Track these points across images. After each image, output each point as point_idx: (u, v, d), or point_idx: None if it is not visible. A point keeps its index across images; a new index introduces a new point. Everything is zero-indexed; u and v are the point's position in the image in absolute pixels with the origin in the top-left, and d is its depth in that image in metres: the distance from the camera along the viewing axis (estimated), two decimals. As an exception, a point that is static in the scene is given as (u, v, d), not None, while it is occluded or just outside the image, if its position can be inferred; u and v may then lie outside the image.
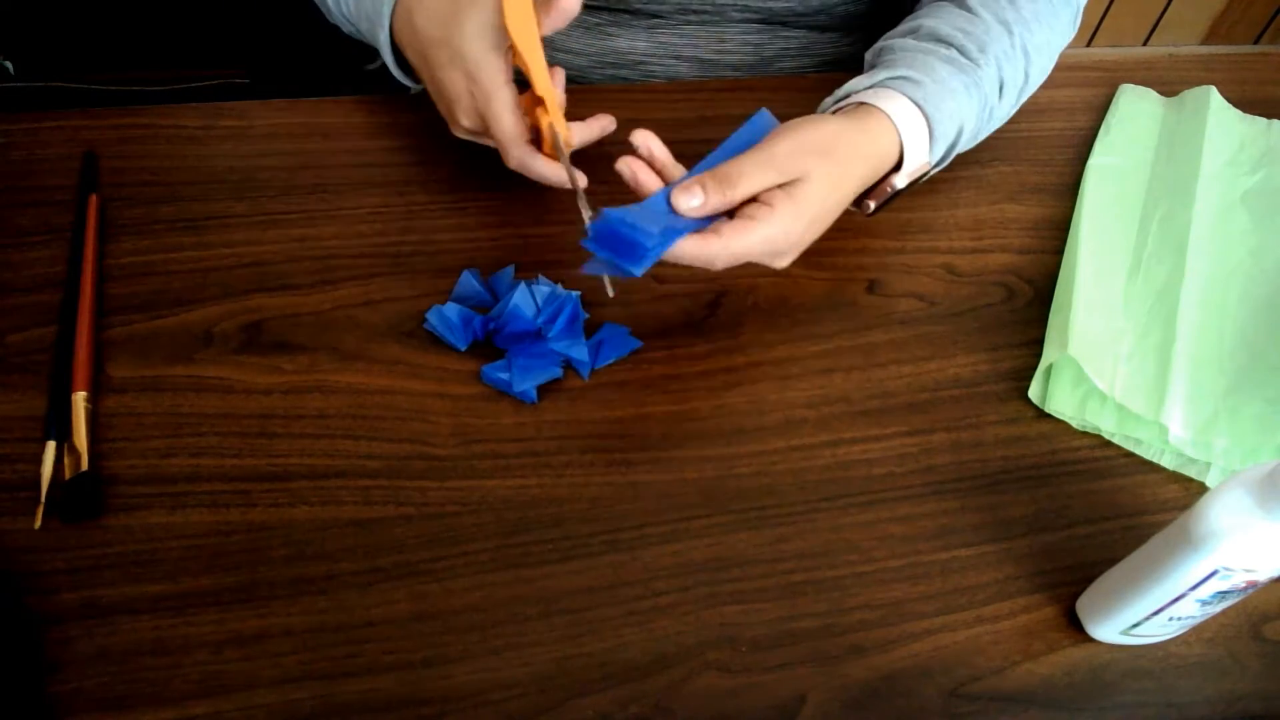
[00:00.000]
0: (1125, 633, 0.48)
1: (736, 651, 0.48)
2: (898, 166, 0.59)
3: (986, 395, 0.59)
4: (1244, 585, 0.42)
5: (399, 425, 0.53)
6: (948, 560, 0.52)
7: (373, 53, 0.78)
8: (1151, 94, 0.77)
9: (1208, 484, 0.56)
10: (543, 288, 0.56)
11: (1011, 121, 0.70)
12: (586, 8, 0.74)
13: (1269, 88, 0.80)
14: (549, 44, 0.75)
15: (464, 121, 0.58)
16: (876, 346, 0.60)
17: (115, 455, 0.51)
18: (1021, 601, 0.51)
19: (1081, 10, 0.69)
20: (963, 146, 0.63)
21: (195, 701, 0.44)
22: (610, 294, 0.54)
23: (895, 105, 0.57)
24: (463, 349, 0.57)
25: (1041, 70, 0.66)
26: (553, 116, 0.54)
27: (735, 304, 0.61)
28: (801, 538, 0.52)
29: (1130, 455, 0.57)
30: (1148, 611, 0.46)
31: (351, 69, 0.93)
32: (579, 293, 0.57)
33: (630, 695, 0.46)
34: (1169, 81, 0.78)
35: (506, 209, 0.64)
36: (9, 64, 1.37)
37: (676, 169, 0.54)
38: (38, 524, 0.48)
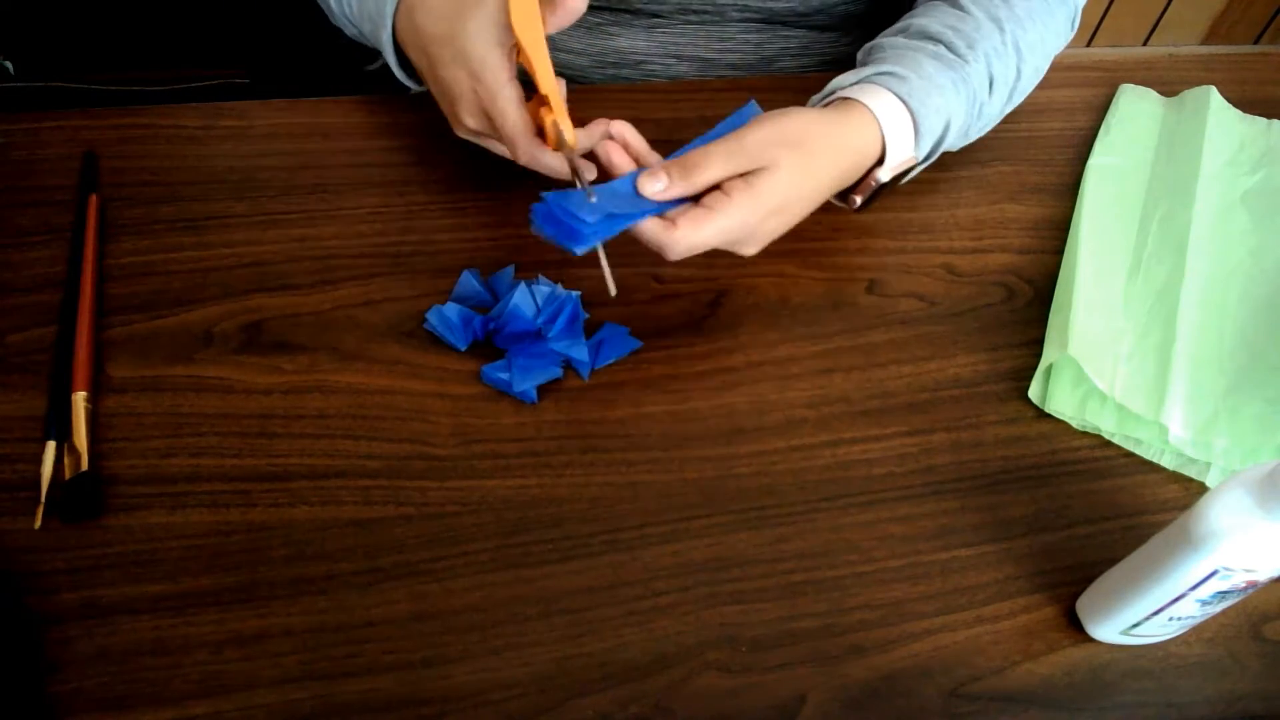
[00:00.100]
0: (1125, 633, 0.48)
1: (736, 651, 0.48)
2: (881, 161, 0.59)
3: (986, 395, 0.59)
4: (1244, 585, 0.42)
5: (399, 425, 0.53)
6: (948, 560, 0.52)
7: (373, 53, 0.78)
8: (1151, 94, 0.77)
9: (1208, 484, 0.56)
10: (543, 288, 0.56)
11: (1011, 121, 0.70)
12: (590, 8, 0.74)
13: (1269, 88, 0.80)
14: (549, 44, 0.75)
15: (467, 120, 0.57)
16: (876, 346, 0.60)
17: (115, 455, 0.51)
18: (1021, 601, 0.51)
19: (1080, 12, 0.69)
20: (952, 143, 0.63)
21: (195, 701, 0.44)
22: (612, 293, 0.54)
23: (878, 100, 0.57)
24: (463, 349, 0.57)
25: (1035, 69, 0.66)
26: (557, 114, 0.54)
27: (735, 304, 0.61)
28: (801, 538, 0.52)
29: (1130, 455, 0.57)
30: (1148, 611, 0.46)
31: (351, 69, 0.92)
32: (579, 293, 0.57)
33: (630, 695, 0.46)
34: (1169, 81, 0.78)
35: (506, 209, 0.64)
36: (9, 64, 1.37)
37: (653, 156, 0.55)
38: (38, 524, 0.48)
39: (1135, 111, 0.75)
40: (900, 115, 0.58)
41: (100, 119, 0.66)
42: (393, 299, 0.59)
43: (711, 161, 0.52)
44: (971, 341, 0.61)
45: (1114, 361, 0.58)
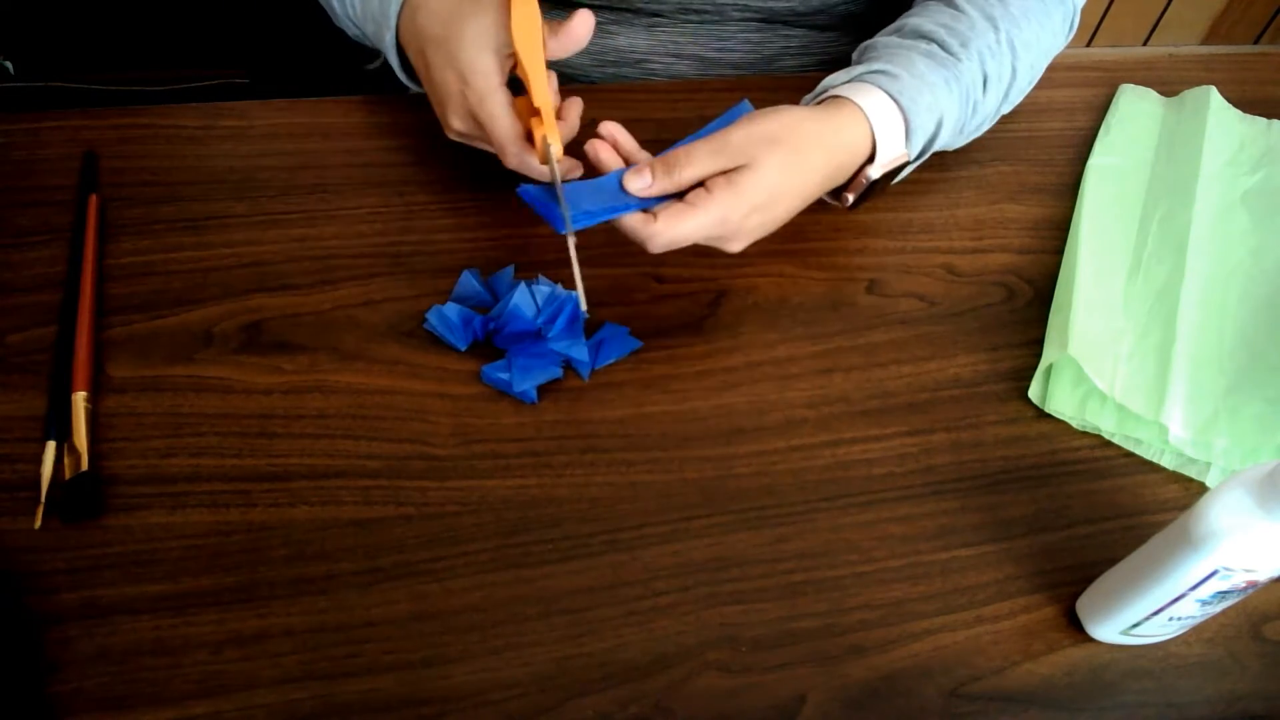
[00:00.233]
0: (1125, 633, 0.48)
1: (736, 651, 0.48)
2: (872, 158, 0.59)
3: (986, 395, 0.59)
4: (1244, 585, 0.42)
5: (399, 425, 0.53)
6: (948, 560, 0.52)
7: (372, 53, 0.78)
8: (1151, 94, 0.77)
9: (1208, 484, 0.56)
10: (543, 288, 0.56)
11: (1011, 121, 0.70)
12: (587, 6, 0.74)
13: (1269, 88, 0.80)
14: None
15: (455, 122, 0.58)
16: (876, 346, 0.60)
17: (115, 455, 0.51)
18: (1021, 601, 0.51)
19: (1079, 13, 0.69)
20: (947, 141, 0.63)
21: (195, 701, 0.44)
22: (583, 309, 0.54)
23: (868, 98, 0.58)
24: (463, 349, 0.57)
25: (1031, 67, 0.66)
26: (547, 129, 0.55)
27: (735, 304, 0.61)
28: (801, 538, 0.52)
29: (1130, 455, 0.57)
30: (1148, 611, 0.46)
31: (351, 69, 0.93)
32: (579, 292, 0.57)
33: (630, 695, 0.46)
34: (1169, 81, 0.78)
35: (506, 209, 0.64)
36: (9, 64, 1.37)
37: (642, 154, 0.56)
38: (38, 524, 0.48)
39: (1135, 111, 0.75)
40: (891, 113, 0.58)
41: (100, 119, 0.66)
42: (393, 299, 0.59)
43: (695, 159, 0.53)
44: (971, 341, 0.61)
45: (1114, 361, 0.58)
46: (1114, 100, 0.77)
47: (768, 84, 0.75)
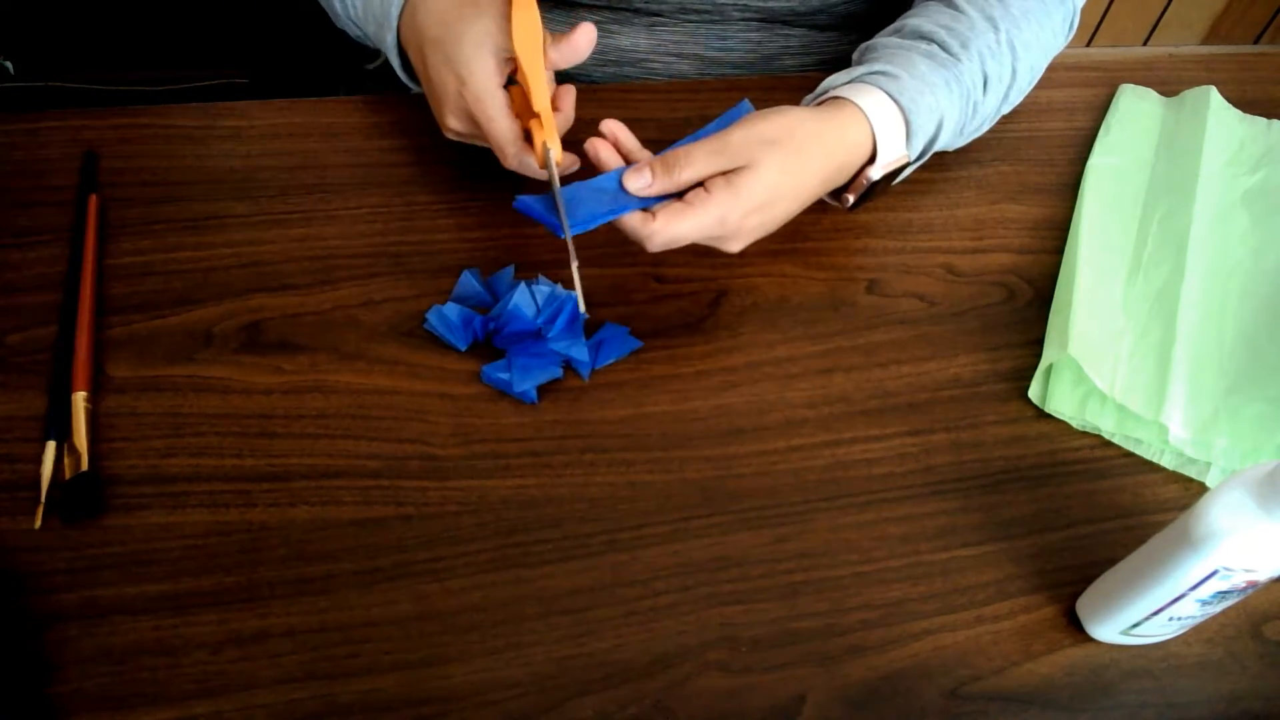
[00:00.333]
0: (1125, 633, 0.48)
1: (736, 651, 0.48)
2: (873, 159, 0.59)
3: (986, 395, 0.59)
4: (1244, 585, 0.42)
5: (399, 425, 0.53)
6: (948, 560, 0.52)
7: (372, 53, 0.78)
8: (1151, 94, 0.77)
9: (1208, 484, 0.56)
10: (543, 288, 0.56)
11: (1011, 121, 0.70)
12: (587, 6, 0.74)
13: (1269, 88, 0.80)
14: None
15: (451, 122, 0.58)
16: (876, 346, 0.60)
17: (115, 455, 0.51)
18: (1021, 601, 0.51)
19: (1079, 13, 0.69)
20: (947, 142, 0.63)
21: (195, 701, 0.44)
22: (582, 311, 0.54)
23: (869, 99, 0.58)
24: (463, 349, 0.57)
25: (1031, 68, 0.66)
26: (547, 134, 0.55)
27: (735, 304, 0.61)
28: (801, 538, 0.52)
29: (1130, 455, 0.57)
30: (1148, 611, 0.46)
31: (351, 69, 0.93)
32: (578, 293, 0.57)
33: (630, 695, 0.46)
34: (1169, 81, 0.78)
35: (506, 209, 0.63)
36: (9, 64, 1.37)
37: (643, 153, 0.56)
38: (38, 524, 0.48)
39: (1135, 111, 0.75)
40: (891, 114, 0.58)
41: (100, 119, 0.66)
42: (393, 299, 0.59)
43: (694, 159, 0.53)
44: (971, 341, 0.61)
45: (1114, 361, 0.58)
46: (1114, 100, 0.77)
47: (768, 84, 0.75)
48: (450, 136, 0.60)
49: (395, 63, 0.63)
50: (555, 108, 0.58)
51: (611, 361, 0.57)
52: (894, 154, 0.59)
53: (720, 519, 0.52)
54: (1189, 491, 0.56)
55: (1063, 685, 0.48)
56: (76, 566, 0.47)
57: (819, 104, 0.60)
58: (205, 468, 0.51)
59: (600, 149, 0.55)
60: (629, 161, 0.55)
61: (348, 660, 0.46)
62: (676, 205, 0.53)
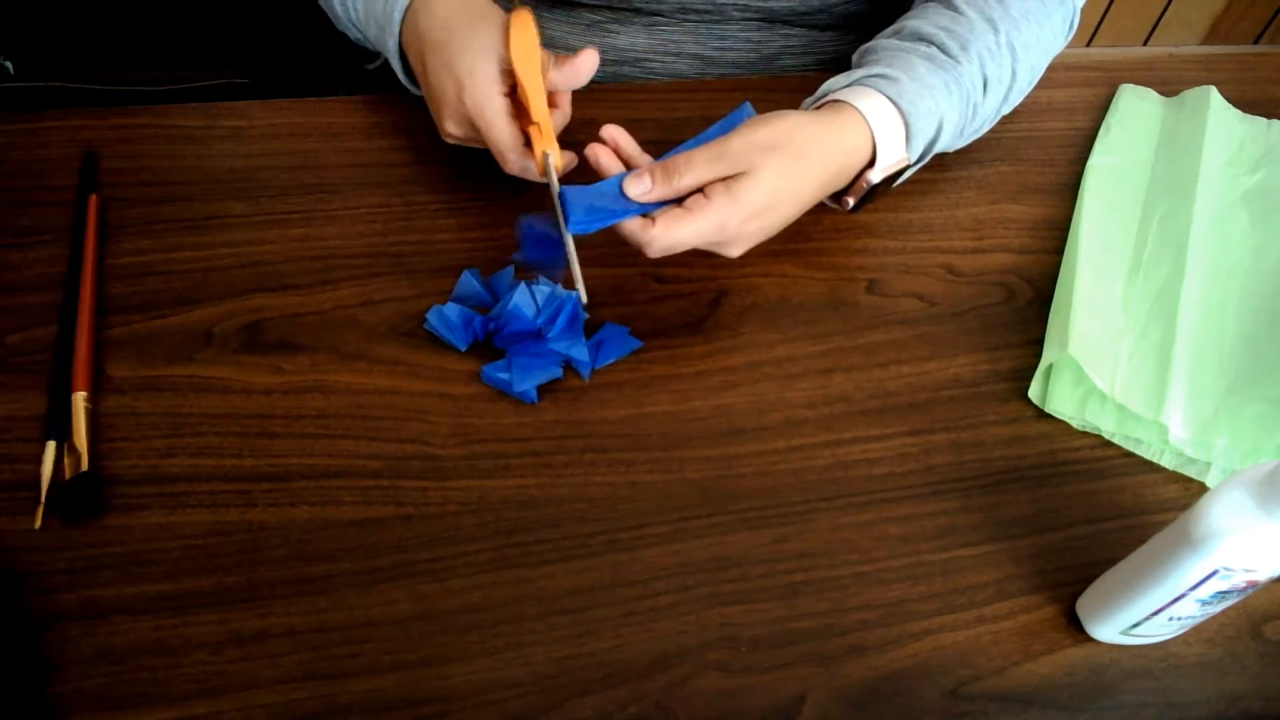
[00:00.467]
0: (1125, 633, 0.48)
1: (736, 651, 0.48)
2: (873, 162, 0.59)
3: (986, 395, 0.59)
4: (1244, 585, 0.42)
5: (399, 425, 0.53)
6: (948, 560, 0.52)
7: (373, 53, 0.78)
8: (1151, 94, 0.77)
9: (1208, 484, 0.56)
10: (543, 288, 0.56)
11: (1011, 121, 0.70)
12: (586, 5, 0.74)
13: (1269, 88, 0.80)
14: (551, 42, 0.75)
15: (449, 127, 0.58)
16: (876, 346, 0.60)
17: (115, 455, 0.51)
18: (1021, 601, 0.51)
19: (1079, 14, 0.69)
20: (947, 144, 0.63)
21: (195, 701, 0.44)
22: (583, 299, 0.54)
23: (869, 102, 0.58)
24: (463, 349, 0.57)
25: (1031, 69, 0.66)
26: (546, 142, 0.55)
27: (735, 304, 0.61)
28: (801, 538, 0.52)
29: (1130, 455, 0.57)
30: (1148, 611, 0.46)
31: (351, 69, 0.92)
32: (579, 292, 0.57)
33: (630, 695, 0.46)
34: (1169, 81, 0.78)
35: (506, 209, 0.64)
36: (9, 64, 1.37)
37: (644, 159, 0.56)
38: (38, 524, 0.48)
39: (1135, 111, 0.75)
40: (891, 117, 0.58)
41: (100, 119, 0.66)
42: (393, 299, 0.59)
43: (694, 165, 0.53)
44: (971, 341, 0.61)
45: (1114, 361, 0.58)
46: (1114, 100, 0.77)
47: (768, 84, 0.75)
48: (449, 141, 0.60)
49: (397, 66, 0.63)
50: (552, 104, 0.58)
51: (611, 361, 0.57)
52: (894, 157, 0.59)
53: (720, 519, 0.52)
54: (1189, 491, 0.56)
55: (1063, 685, 0.48)
56: (76, 566, 0.47)
57: (818, 107, 0.60)
58: (205, 468, 0.51)
59: (600, 154, 0.55)
60: (629, 167, 0.55)
61: (348, 660, 0.46)
62: (676, 211, 0.53)
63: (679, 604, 0.49)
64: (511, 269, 0.60)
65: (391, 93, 0.70)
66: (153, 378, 0.54)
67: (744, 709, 0.46)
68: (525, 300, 0.55)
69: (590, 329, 0.57)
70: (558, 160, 0.55)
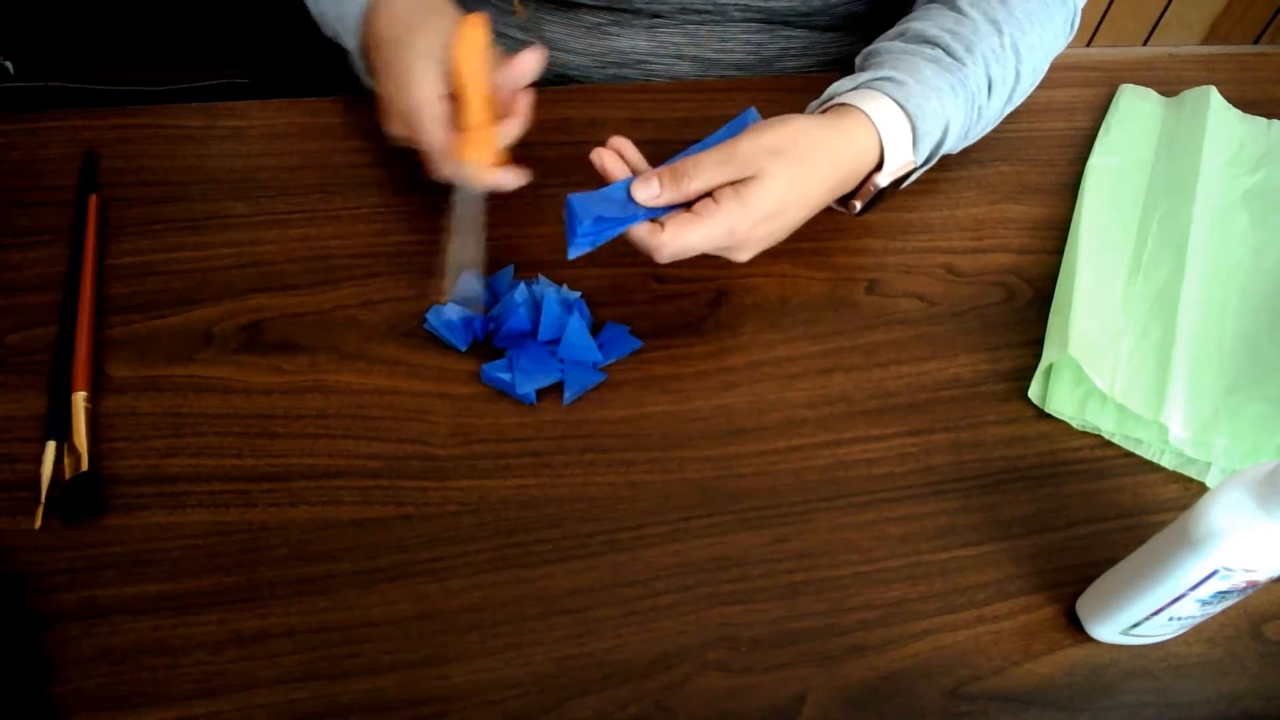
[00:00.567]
0: (1125, 633, 0.48)
1: (736, 651, 0.48)
2: (880, 166, 0.59)
3: (986, 395, 0.59)
4: (1244, 585, 0.42)
5: (399, 425, 0.53)
6: (948, 560, 0.52)
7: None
8: (1151, 94, 0.77)
9: (1208, 484, 0.56)
10: (542, 288, 0.56)
11: (1011, 121, 0.70)
12: (587, 7, 0.74)
13: (1269, 88, 0.80)
14: (552, 45, 0.75)
15: (390, 126, 0.58)
16: (876, 346, 0.60)
17: (115, 455, 0.51)
18: (1021, 601, 0.51)
19: (1079, 13, 0.69)
20: (952, 145, 0.63)
21: (195, 701, 0.44)
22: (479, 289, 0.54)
23: (875, 105, 0.58)
24: (463, 349, 0.57)
25: (1034, 70, 0.66)
26: (476, 153, 0.55)
27: (735, 304, 0.61)
28: (801, 538, 0.52)
29: (1130, 455, 0.57)
30: (1148, 611, 0.46)
31: (351, 69, 0.93)
32: (580, 295, 0.57)
33: (630, 695, 0.46)
34: (1169, 81, 0.78)
35: (506, 209, 0.63)
36: (9, 64, 1.37)
37: (645, 166, 0.56)
38: (38, 524, 0.48)
39: (1135, 111, 0.75)
40: (898, 120, 0.58)
41: (100, 119, 0.66)
42: (393, 299, 0.59)
43: (702, 170, 0.53)
44: (971, 341, 0.61)
45: (1114, 361, 0.58)
46: (1114, 100, 0.77)
47: (769, 84, 0.75)
48: (391, 141, 0.59)
49: (359, 66, 0.63)
50: (510, 113, 0.57)
51: (612, 361, 0.57)
52: (901, 160, 0.59)
53: (720, 519, 0.52)
54: (1189, 491, 0.56)
55: (1063, 685, 0.48)
56: (76, 566, 0.47)
57: (824, 111, 0.60)
58: (205, 468, 0.51)
59: (606, 158, 0.55)
60: (634, 173, 0.55)
61: (348, 660, 0.46)
62: (685, 216, 0.52)
63: (679, 604, 0.49)
64: (511, 269, 0.60)
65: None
66: (153, 378, 0.54)
67: (744, 709, 0.46)
68: (525, 300, 0.55)
69: (590, 329, 0.57)
70: (482, 173, 0.55)
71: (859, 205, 0.61)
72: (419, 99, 0.55)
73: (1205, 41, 2.01)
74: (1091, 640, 0.50)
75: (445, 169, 0.56)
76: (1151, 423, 0.56)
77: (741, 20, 0.75)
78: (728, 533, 0.51)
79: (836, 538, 0.52)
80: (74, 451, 0.50)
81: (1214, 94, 0.74)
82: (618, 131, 0.57)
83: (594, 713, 0.45)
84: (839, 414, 0.57)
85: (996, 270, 0.65)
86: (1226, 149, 0.71)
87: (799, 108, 0.61)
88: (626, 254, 0.56)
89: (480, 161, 0.55)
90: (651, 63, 0.77)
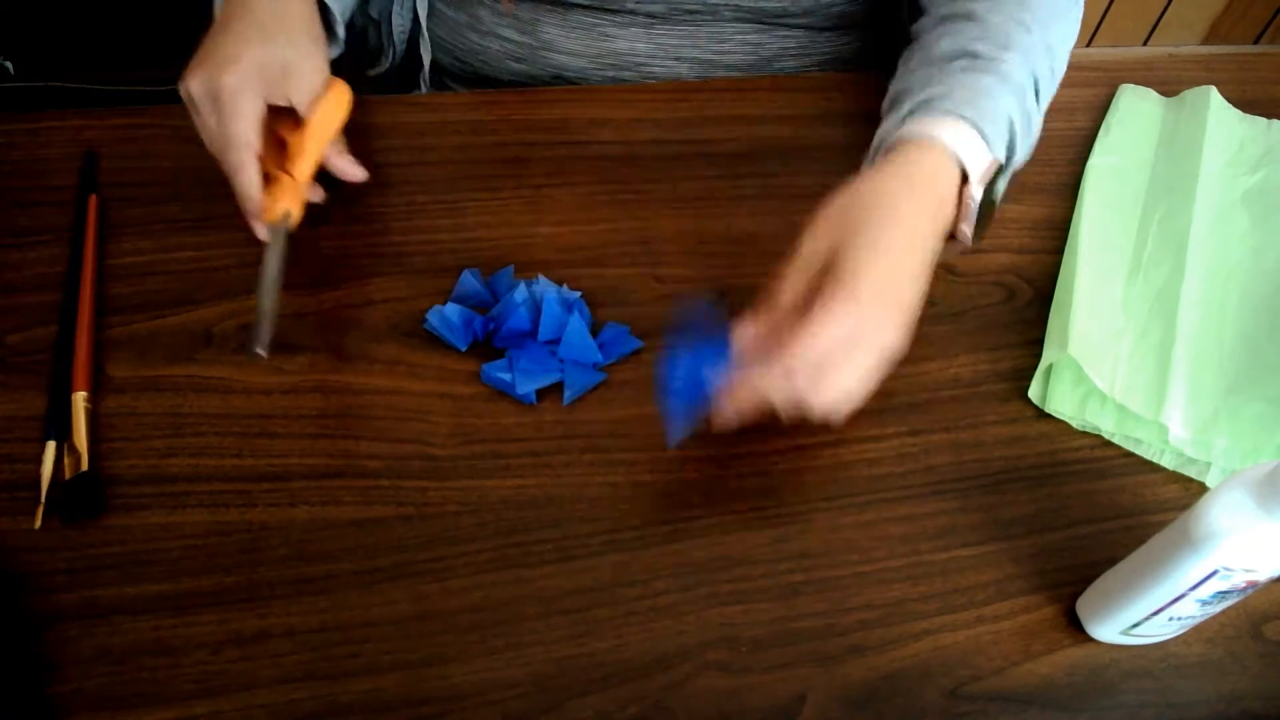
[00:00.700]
0: (1125, 633, 0.48)
1: (736, 651, 0.48)
2: (965, 179, 0.53)
3: (986, 395, 0.59)
4: (1244, 585, 0.42)
5: (399, 425, 0.53)
6: (948, 560, 0.52)
7: (374, 56, 0.78)
8: (1151, 94, 0.77)
9: (1208, 484, 0.56)
10: (542, 288, 0.56)
11: (1011, 121, 0.70)
12: (584, 8, 0.74)
13: (1269, 88, 0.80)
14: (549, 46, 0.75)
15: (194, 86, 0.54)
16: (876, 346, 0.60)
17: (115, 455, 0.51)
18: (1021, 601, 0.51)
19: (1081, 4, 0.68)
20: (1021, 143, 0.58)
21: (195, 701, 0.44)
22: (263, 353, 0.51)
23: (927, 128, 0.53)
24: (463, 349, 0.57)
25: (1063, 65, 0.63)
26: (292, 202, 0.55)
27: (735, 304, 0.61)
28: (801, 538, 0.52)
29: (1130, 455, 0.57)
30: (1148, 611, 0.46)
31: (352, 70, 0.92)
32: (581, 296, 0.57)
33: (630, 695, 0.46)
34: (1169, 81, 0.78)
35: (506, 209, 0.64)
36: (9, 64, 1.37)
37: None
38: (38, 524, 0.48)
39: (1135, 111, 0.75)
40: (958, 127, 0.53)
41: (100, 119, 0.66)
42: (393, 299, 0.59)
43: (788, 280, 0.49)
44: (971, 341, 0.61)
45: (1114, 361, 0.58)
46: (1114, 100, 0.77)
47: (768, 85, 0.75)
48: (181, 91, 0.55)
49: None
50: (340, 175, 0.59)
51: (612, 361, 0.57)
52: (981, 163, 0.54)
53: (720, 519, 0.52)
54: (1189, 491, 0.56)
55: (1063, 685, 0.48)
56: (76, 566, 0.47)
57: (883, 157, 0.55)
58: (205, 468, 0.51)
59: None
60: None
61: (348, 660, 0.46)
62: (800, 323, 0.46)
63: (679, 604, 0.49)
64: (511, 269, 0.60)
65: (392, 93, 0.70)
66: (153, 378, 0.54)
67: (744, 709, 0.46)
68: (525, 300, 0.55)
69: (590, 329, 0.57)
70: (294, 220, 0.55)
71: (968, 229, 0.54)
72: (236, 137, 0.52)
73: (1205, 41, 2.01)
74: (1091, 640, 0.50)
75: (252, 216, 0.55)
76: (1151, 423, 0.56)
77: (734, 20, 0.75)
78: (728, 533, 0.51)
79: (836, 538, 0.52)
80: (74, 451, 0.50)
81: (1214, 94, 0.74)
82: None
83: (594, 713, 0.45)
84: (839, 414, 0.57)
85: (996, 270, 0.65)
86: (1226, 149, 0.71)
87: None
88: (626, 254, 0.56)
89: (290, 209, 0.55)
90: (650, 64, 0.77)
